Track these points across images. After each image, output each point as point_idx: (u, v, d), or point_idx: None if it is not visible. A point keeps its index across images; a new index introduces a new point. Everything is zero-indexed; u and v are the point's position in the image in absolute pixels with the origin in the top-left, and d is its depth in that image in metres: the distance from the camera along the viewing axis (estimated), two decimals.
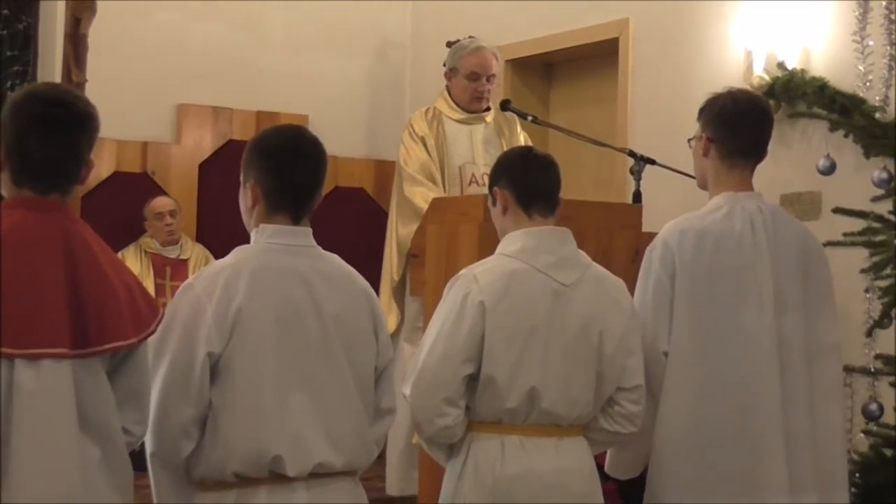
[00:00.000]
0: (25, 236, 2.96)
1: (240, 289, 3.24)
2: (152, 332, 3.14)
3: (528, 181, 3.81)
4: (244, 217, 3.47)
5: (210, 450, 3.23)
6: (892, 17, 5.49)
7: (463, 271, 3.76)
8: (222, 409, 3.22)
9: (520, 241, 3.76)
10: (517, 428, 3.67)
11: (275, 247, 3.35)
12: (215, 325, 3.21)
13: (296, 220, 3.39)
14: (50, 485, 2.89)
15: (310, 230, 3.42)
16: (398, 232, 6.22)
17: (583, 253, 3.83)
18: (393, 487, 6.17)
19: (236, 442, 3.20)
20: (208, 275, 3.31)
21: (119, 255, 7.12)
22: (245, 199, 3.44)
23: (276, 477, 3.23)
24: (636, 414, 3.81)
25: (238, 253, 3.37)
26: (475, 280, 3.68)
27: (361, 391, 3.39)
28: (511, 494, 3.63)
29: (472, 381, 3.66)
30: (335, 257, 3.46)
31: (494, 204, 3.86)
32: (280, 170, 3.38)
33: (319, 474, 3.28)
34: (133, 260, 7.42)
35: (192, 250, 7.72)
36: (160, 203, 7.67)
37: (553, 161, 3.89)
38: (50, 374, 2.91)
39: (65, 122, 3.05)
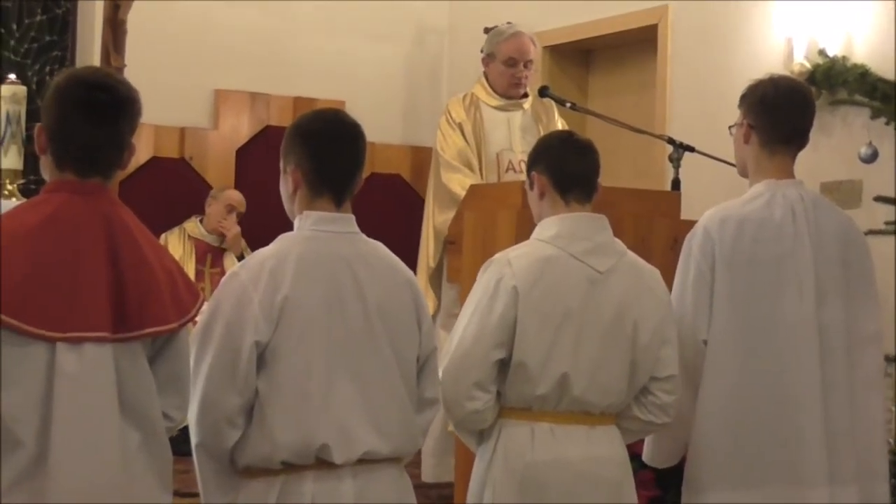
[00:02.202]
0: (67, 220, 2.97)
1: (286, 277, 3.23)
2: (193, 317, 3.14)
3: (566, 167, 3.78)
4: (286, 204, 3.46)
5: (256, 439, 3.22)
6: None
7: (497, 256, 3.75)
8: (269, 397, 3.21)
9: (555, 227, 3.75)
10: (548, 415, 3.66)
11: (319, 234, 3.34)
12: (262, 314, 3.20)
13: (338, 204, 3.38)
14: (90, 468, 2.89)
15: (353, 217, 3.41)
16: (435, 219, 6.20)
17: (618, 241, 3.80)
18: (428, 474, 6.16)
19: (283, 431, 3.20)
20: (253, 263, 3.30)
21: (162, 237, 7.18)
22: (286, 185, 3.43)
23: (323, 463, 3.23)
24: (670, 404, 3.79)
25: (282, 241, 3.36)
26: (509, 264, 3.67)
27: (405, 380, 3.38)
28: (540, 481, 3.62)
29: (504, 366, 3.65)
30: (379, 245, 3.45)
31: (532, 188, 3.84)
32: (321, 153, 3.37)
33: (366, 461, 3.27)
34: (176, 243, 7.44)
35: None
36: (237, 198, 7.66)
37: (592, 146, 3.86)
38: (91, 358, 2.91)
39: (107, 106, 3.04)
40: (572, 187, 3.77)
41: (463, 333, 3.67)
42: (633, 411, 3.78)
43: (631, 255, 3.80)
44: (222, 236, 7.61)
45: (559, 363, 3.62)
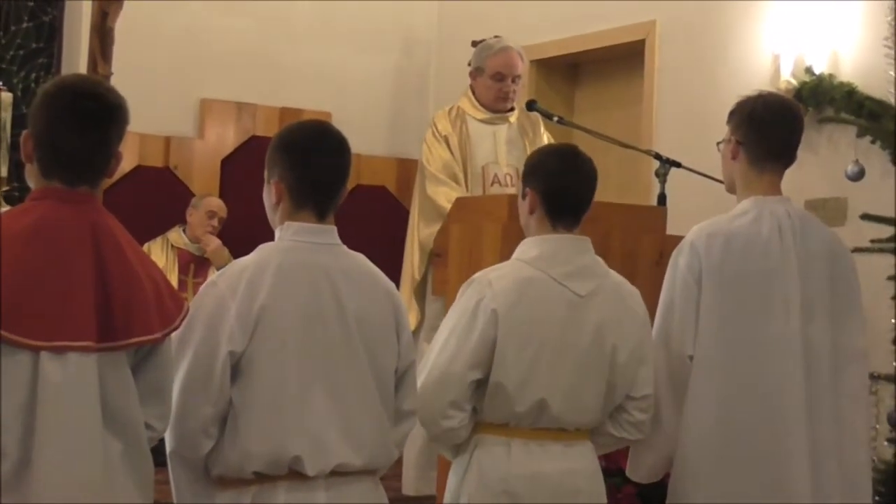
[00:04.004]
0: (53, 228, 2.95)
1: (264, 287, 3.22)
2: (177, 327, 3.12)
3: (561, 194, 3.74)
4: (269, 214, 3.45)
5: (229, 448, 3.21)
6: None
7: (477, 275, 3.74)
8: (243, 407, 3.20)
9: (537, 249, 3.74)
10: (524, 431, 3.67)
11: (299, 245, 3.32)
12: (238, 324, 3.19)
13: (321, 217, 3.37)
14: (72, 477, 2.88)
15: (334, 228, 3.39)
16: (420, 232, 6.20)
17: (601, 261, 3.79)
18: (410, 487, 6.15)
19: (256, 441, 3.18)
20: (232, 272, 3.29)
21: (145, 246, 7.15)
22: (269, 196, 3.42)
23: (296, 475, 3.21)
24: (643, 422, 3.81)
25: (262, 250, 3.34)
26: (489, 285, 3.66)
27: (382, 393, 3.36)
28: (517, 494, 3.63)
29: (481, 384, 3.65)
30: (360, 256, 3.44)
31: (524, 198, 3.82)
32: (305, 166, 3.35)
33: (339, 473, 3.26)
34: (159, 253, 7.42)
35: None
36: (218, 204, 7.67)
37: (592, 168, 3.79)
38: (75, 368, 2.89)
39: (95, 114, 3.03)
40: (563, 216, 3.75)
41: (440, 352, 3.67)
42: (606, 428, 3.81)
43: (613, 276, 3.79)
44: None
45: (537, 387, 3.62)
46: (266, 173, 3.42)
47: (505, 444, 3.65)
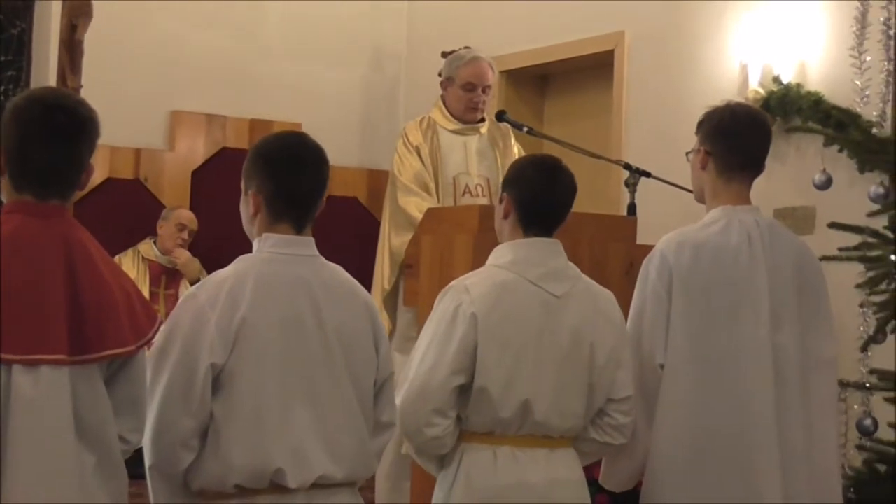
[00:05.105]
0: (25, 241, 2.94)
1: (244, 299, 3.22)
2: (150, 340, 3.12)
3: (534, 202, 3.77)
4: (245, 226, 3.44)
5: (211, 462, 3.20)
6: (891, 32, 5.49)
7: (454, 282, 3.75)
8: (224, 420, 3.19)
9: (511, 253, 3.76)
10: (509, 439, 3.67)
11: (278, 256, 3.32)
12: (219, 336, 3.18)
13: (299, 229, 3.37)
14: (45, 491, 2.87)
15: (312, 240, 3.40)
16: (391, 242, 6.19)
17: (572, 265, 3.82)
18: (383, 497, 6.14)
19: (237, 454, 3.18)
20: (211, 284, 3.29)
21: (116, 259, 7.07)
22: (246, 208, 3.42)
23: (277, 487, 3.21)
24: (626, 425, 3.81)
25: (241, 262, 3.34)
26: (467, 291, 3.67)
27: (362, 405, 3.36)
28: None
29: (465, 390, 3.65)
30: (337, 268, 3.44)
31: (501, 202, 3.84)
32: (282, 177, 3.35)
33: (320, 485, 3.26)
34: (130, 265, 7.39)
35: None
36: (188, 216, 7.64)
37: (570, 183, 3.81)
38: (48, 381, 2.89)
39: (66, 127, 3.03)
40: (535, 224, 3.77)
41: (421, 360, 3.67)
42: (589, 434, 3.81)
43: (585, 279, 3.82)
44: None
45: (521, 389, 3.63)
46: (243, 184, 3.42)
47: (491, 453, 3.66)
